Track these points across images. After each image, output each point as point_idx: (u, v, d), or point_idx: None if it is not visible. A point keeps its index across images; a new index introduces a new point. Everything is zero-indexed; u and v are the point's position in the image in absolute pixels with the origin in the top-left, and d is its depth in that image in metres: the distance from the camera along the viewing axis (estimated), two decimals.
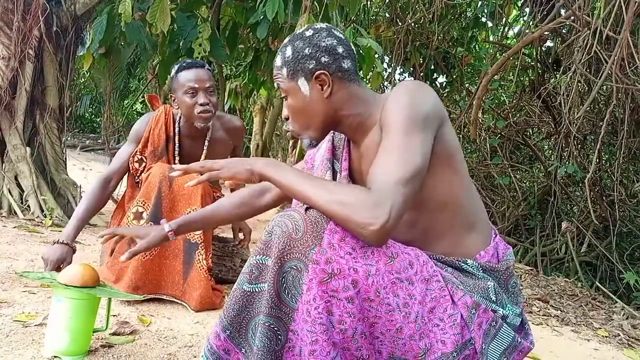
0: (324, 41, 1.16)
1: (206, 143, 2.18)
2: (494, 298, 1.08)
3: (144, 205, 1.97)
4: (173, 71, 2.12)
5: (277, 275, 0.96)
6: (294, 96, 1.19)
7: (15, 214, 3.21)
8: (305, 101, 1.18)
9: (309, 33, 1.18)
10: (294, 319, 0.97)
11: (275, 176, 1.07)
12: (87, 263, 1.47)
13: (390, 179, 0.97)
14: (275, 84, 1.26)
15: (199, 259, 1.95)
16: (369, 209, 0.93)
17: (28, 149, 3.34)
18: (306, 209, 0.99)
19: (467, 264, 1.11)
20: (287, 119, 1.25)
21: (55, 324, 1.37)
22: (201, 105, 2.04)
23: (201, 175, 1.14)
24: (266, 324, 0.97)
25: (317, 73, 1.15)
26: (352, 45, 1.22)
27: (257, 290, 1.00)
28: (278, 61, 1.22)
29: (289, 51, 1.19)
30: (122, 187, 2.30)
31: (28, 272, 1.47)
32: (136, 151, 2.14)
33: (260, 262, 0.99)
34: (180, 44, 3.27)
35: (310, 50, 1.16)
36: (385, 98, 1.12)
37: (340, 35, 1.19)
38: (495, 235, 1.19)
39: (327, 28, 1.19)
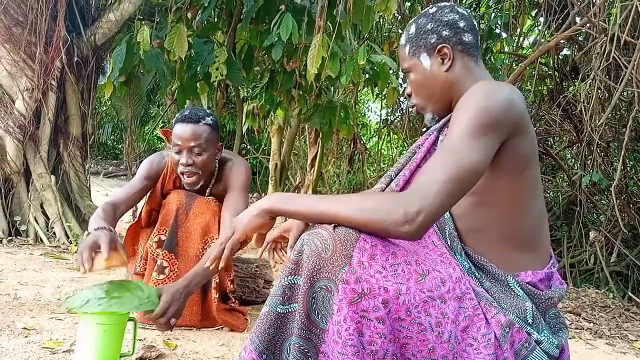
0: (446, 16, 1.20)
1: (207, 192, 2.06)
2: (530, 321, 1.05)
3: (165, 232, 1.97)
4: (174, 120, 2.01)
5: (307, 295, 0.94)
6: (415, 71, 1.24)
7: (42, 241, 3.27)
8: (425, 74, 1.22)
9: (432, 10, 1.23)
10: (324, 340, 0.95)
11: (288, 208, 1.05)
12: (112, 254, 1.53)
13: (435, 177, 0.96)
14: (400, 64, 1.30)
15: (215, 285, 1.94)
16: (405, 205, 0.93)
17: (53, 177, 3.41)
18: (334, 227, 0.97)
19: (508, 279, 1.08)
20: (409, 95, 1.29)
21: (83, 350, 1.38)
22: (182, 164, 1.92)
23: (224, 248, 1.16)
24: (296, 345, 0.96)
25: (439, 47, 1.19)
26: (474, 21, 1.24)
27: (290, 310, 0.98)
28: (402, 40, 1.27)
29: (412, 28, 1.24)
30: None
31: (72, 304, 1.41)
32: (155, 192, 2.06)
33: (292, 282, 0.97)
34: (198, 69, 3.32)
35: (432, 25, 1.20)
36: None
37: (463, 12, 1.23)
38: (554, 267, 1.15)
39: (450, 5, 1.23)
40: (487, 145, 1.01)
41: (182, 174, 1.94)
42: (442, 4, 1.25)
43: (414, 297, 0.94)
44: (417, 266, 0.96)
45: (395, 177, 1.24)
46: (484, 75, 1.20)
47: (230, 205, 1.95)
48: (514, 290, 1.07)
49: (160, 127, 2.13)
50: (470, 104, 1.04)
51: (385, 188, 1.20)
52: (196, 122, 1.91)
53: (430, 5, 1.25)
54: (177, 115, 1.99)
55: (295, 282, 0.97)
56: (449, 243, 1.14)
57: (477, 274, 1.09)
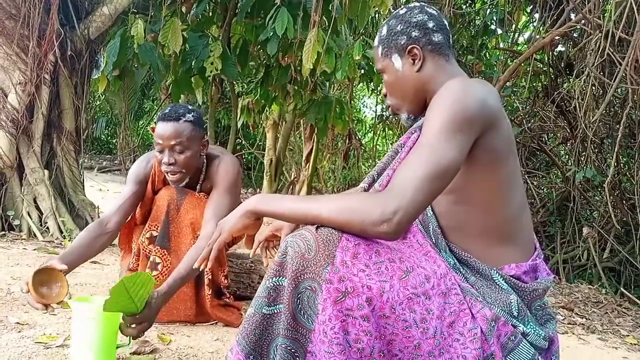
0: (415, 17, 1.22)
1: (197, 189, 2.04)
2: (515, 313, 1.06)
3: (157, 228, 1.96)
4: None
5: (292, 296, 0.95)
6: (388, 72, 1.26)
7: (35, 236, 3.25)
8: (397, 76, 1.24)
9: (402, 11, 1.25)
10: (311, 340, 0.95)
11: (271, 209, 1.07)
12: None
13: (411, 176, 0.97)
14: (375, 65, 1.32)
15: (207, 281, 1.93)
16: (382, 205, 0.94)
17: (46, 171, 3.39)
18: (317, 228, 0.97)
19: (492, 273, 1.09)
20: (385, 95, 1.31)
21: (78, 344, 1.38)
22: (164, 164, 1.88)
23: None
24: (283, 346, 0.96)
25: (409, 47, 1.21)
26: (444, 20, 1.26)
27: (275, 311, 0.98)
28: (375, 41, 1.29)
29: (384, 30, 1.26)
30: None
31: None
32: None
33: (277, 283, 0.98)
34: (192, 64, 3.30)
35: (402, 27, 1.22)
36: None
37: (433, 12, 1.24)
38: (539, 258, 1.15)
39: (420, 6, 1.24)
40: (462, 141, 1.01)
41: (166, 172, 1.91)
42: (412, 4, 1.26)
43: (397, 295, 0.94)
44: (401, 263, 0.97)
45: (378, 177, 1.25)
46: (457, 73, 1.21)
47: (212, 203, 1.91)
48: (498, 284, 1.08)
49: (155, 123, 2.05)
50: (444, 101, 1.05)
51: (368, 188, 1.21)
52: (176, 119, 1.86)
53: (401, 7, 1.26)
54: (158, 114, 1.96)
55: (280, 283, 0.97)
56: (433, 240, 1.15)
57: (462, 270, 1.10)
